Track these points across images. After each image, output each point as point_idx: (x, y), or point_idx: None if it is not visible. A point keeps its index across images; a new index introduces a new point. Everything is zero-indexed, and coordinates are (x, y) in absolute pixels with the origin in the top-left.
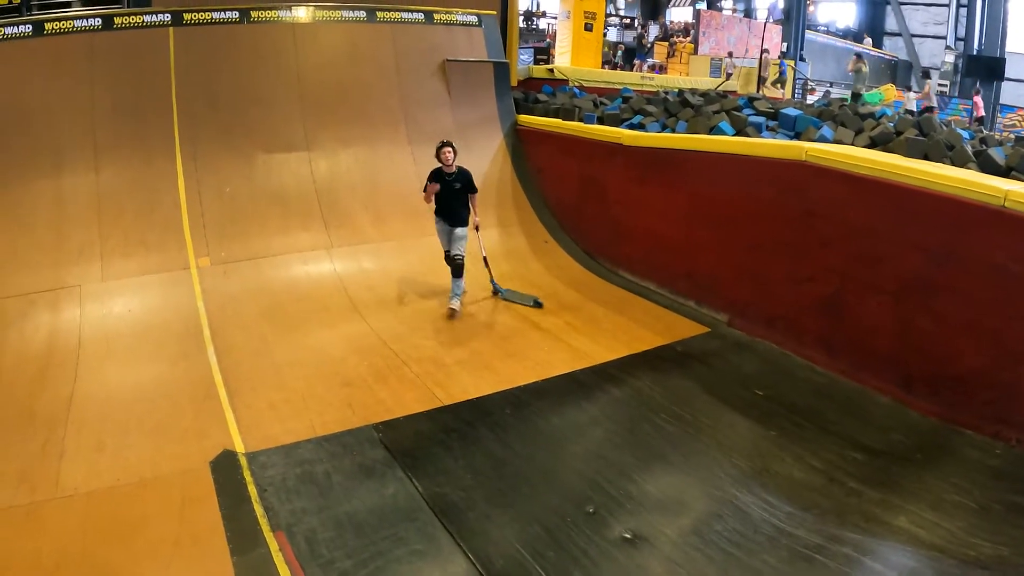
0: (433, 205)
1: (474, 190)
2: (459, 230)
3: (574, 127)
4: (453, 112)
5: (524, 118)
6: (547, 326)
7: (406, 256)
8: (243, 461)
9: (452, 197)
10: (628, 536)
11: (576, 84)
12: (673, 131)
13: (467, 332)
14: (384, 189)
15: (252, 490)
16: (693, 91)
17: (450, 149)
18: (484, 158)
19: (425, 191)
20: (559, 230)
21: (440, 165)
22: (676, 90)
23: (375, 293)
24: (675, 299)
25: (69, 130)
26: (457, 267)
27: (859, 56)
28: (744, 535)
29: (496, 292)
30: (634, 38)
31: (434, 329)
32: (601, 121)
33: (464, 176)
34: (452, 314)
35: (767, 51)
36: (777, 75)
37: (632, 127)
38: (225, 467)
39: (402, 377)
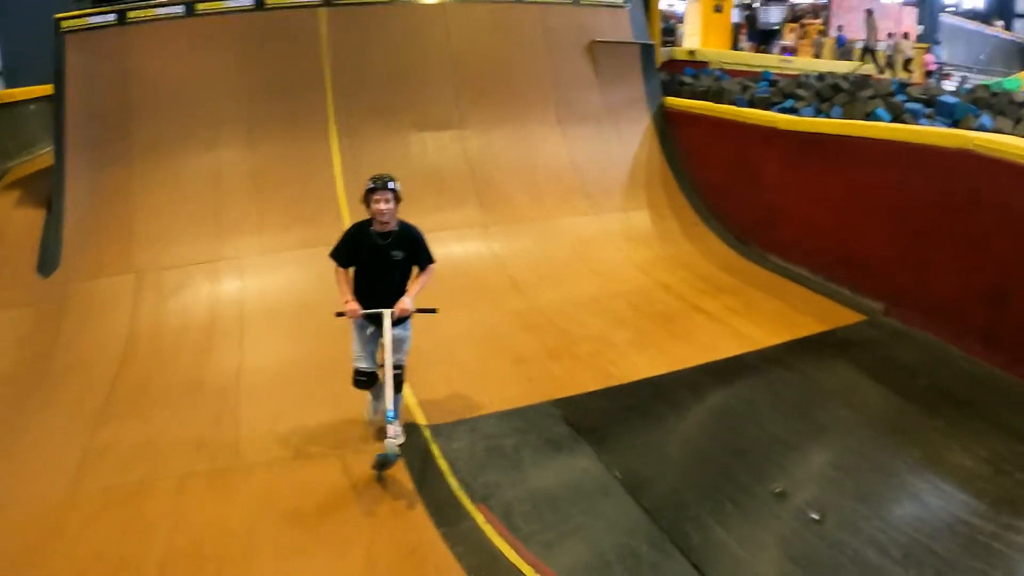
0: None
1: (427, 260)
2: (397, 330)
3: (725, 110)
4: (601, 93)
5: (672, 100)
6: (709, 308)
7: (562, 235)
8: (427, 433)
9: (387, 274)
10: (816, 517)
11: (718, 67)
12: (827, 116)
13: (631, 313)
14: (538, 168)
15: (442, 463)
16: (832, 75)
17: (389, 196)
18: (632, 140)
19: (335, 270)
20: (709, 213)
21: (368, 219)
22: (816, 73)
23: (535, 271)
24: (829, 285)
25: (224, 107)
26: (397, 381)
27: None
28: (923, 520)
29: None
30: (744, 18)
31: (599, 308)
32: (752, 104)
33: (409, 239)
34: (382, 463)
35: (893, 34)
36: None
37: (784, 111)
38: (409, 439)
39: (574, 355)
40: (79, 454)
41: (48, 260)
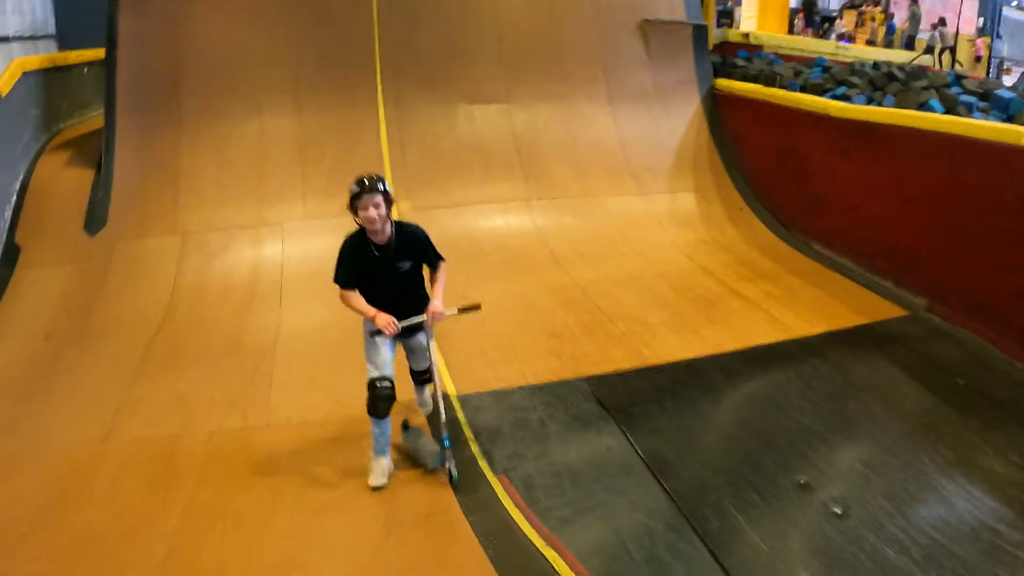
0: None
1: (437, 259)
2: (419, 337)
3: (776, 94)
4: (652, 72)
5: (722, 82)
6: (747, 294)
7: (607, 213)
8: (456, 403)
9: (398, 286)
10: (838, 512)
11: (772, 51)
12: (880, 105)
13: (670, 294)
14: (584, 145)
15: (468, 432)
16: (888, 64)
17: (378, 200)
18: (681, 121)
19: (342, 295)
20: (753, 198)
21: (359, 230)
22: (871, 62)
23: (576, 247)
24: (872, 278)
25: (272, 75)
26: (424, 397)
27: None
28: (948, 523)
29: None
30: (802, 3)
31: (639, 288)
32: (803, 90)
33: (411, 242)
34: (379, 485)
35: (936, 25)
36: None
37: (836, 98)
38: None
39: (609, 333)
40: (114, 407)
41: (95, 219)
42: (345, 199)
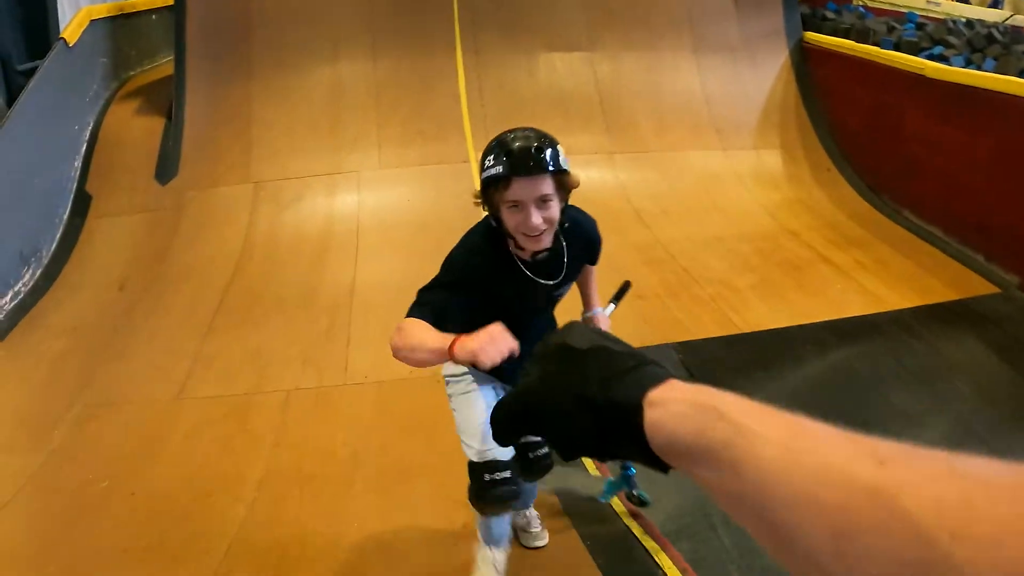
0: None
1: (595, 260)
2: None
3: (869, 51)
4: (739, 23)
5: (812, 36)
6: (837, 261)
7: (690, 169)
8: None
9: (537, 321)
10: None
11: (862, 3)
12: (979, 68)
13: (756, 257)
14: (667, 97)
15: None
16: (982, 23)
17: (545, 188)
18: (768, 75)
19: (405, 330)
20: (841, 159)
21: (494, 229)
22: (963, 19)
23: (659, 204)
24: (962, 250)
25: (346, 21)
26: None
27: None
28: None
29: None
30: None
31: (724, 249)
32: (897, 48)
33: (584, 247)
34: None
35: None
36: None
37: (932, 58)
38: None
39: (695, 296)
40: (188, 361)
41: (167, 168)
42: (421, 148)
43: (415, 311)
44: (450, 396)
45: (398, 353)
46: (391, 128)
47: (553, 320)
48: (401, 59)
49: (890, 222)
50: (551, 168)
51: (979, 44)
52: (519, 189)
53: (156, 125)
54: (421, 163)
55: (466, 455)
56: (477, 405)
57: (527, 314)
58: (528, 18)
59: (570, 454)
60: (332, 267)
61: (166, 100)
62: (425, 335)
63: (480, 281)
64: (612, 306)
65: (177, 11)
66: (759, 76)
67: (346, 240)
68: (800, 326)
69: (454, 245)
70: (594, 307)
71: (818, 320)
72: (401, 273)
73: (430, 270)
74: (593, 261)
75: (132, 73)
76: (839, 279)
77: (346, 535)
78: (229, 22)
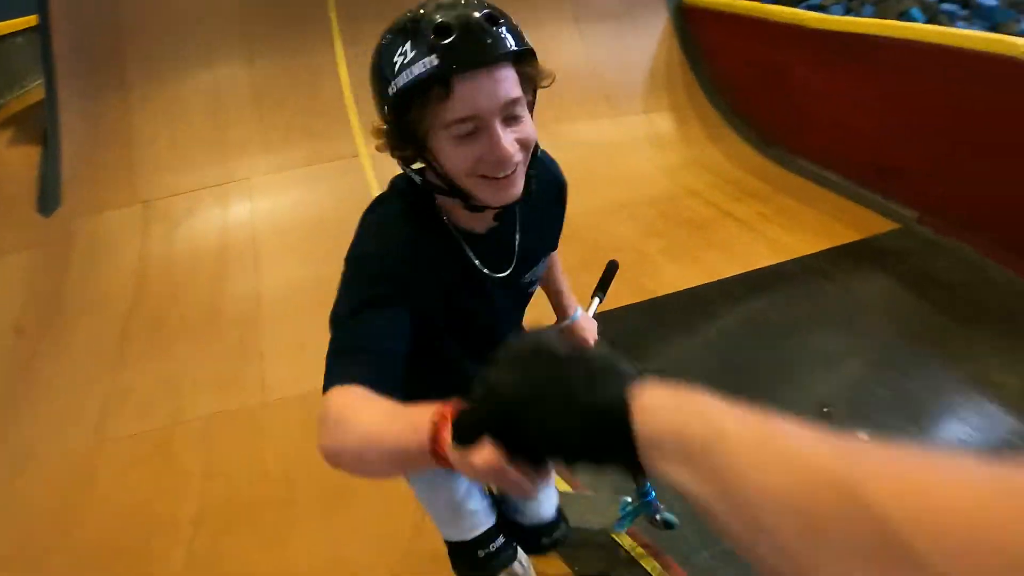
0: None
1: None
2: None
3: (749, 7)
4: None
5: None
6: (740, 215)
7: (583, 139)
8: None
9: (509, 320)
10: (865, 438)
11: None
12: (858, 15)
13: (660, 220)
14: (552, 68)
15: None
16: None
17: (511, 83)
18: (651, 39)
19: (333, 413)
20: (733, 115)
21: (414, 197)
22: None
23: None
24: (860, 191)
25: (219, 23)
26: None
27: None
28: (970, 441)
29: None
30: None
31: (629, 216)
32: (777, 2)
33: (554, 197)
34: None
35: None
36: None
37: (812, 8)
38: None
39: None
40: (101, 399)
41: (48, 198)
42: (309, 147)
43: (337, 368)
44: (414, 478)
45: (339, 462)
46: (276, 131)
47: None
48: (279, 59)
49: (787, 172)
50: (516, 48)
51: None
52: (472, 94)
53: (33, 153)
54: (311, 163)
55: (445, 535)
56: (446, 487)
57: (495, 309)
58: (406, 2)
59: (555, 458)
60: (234, 280)
61: (41, 126)
62: (372, 418)
63: (418, 283)
64: (597, 301)
65: (42, 29)
66: (643, 41)
67: (244, 250)
68: (712, 283)
69: (355, 236)
70: (571, 309)
71: (729, 275)
72: (305, 277)
73: (335, 267)
74: (559, 229)
75: (1, 101)
76: (744, 233)
77: (294, 564)
78: (99, 37)
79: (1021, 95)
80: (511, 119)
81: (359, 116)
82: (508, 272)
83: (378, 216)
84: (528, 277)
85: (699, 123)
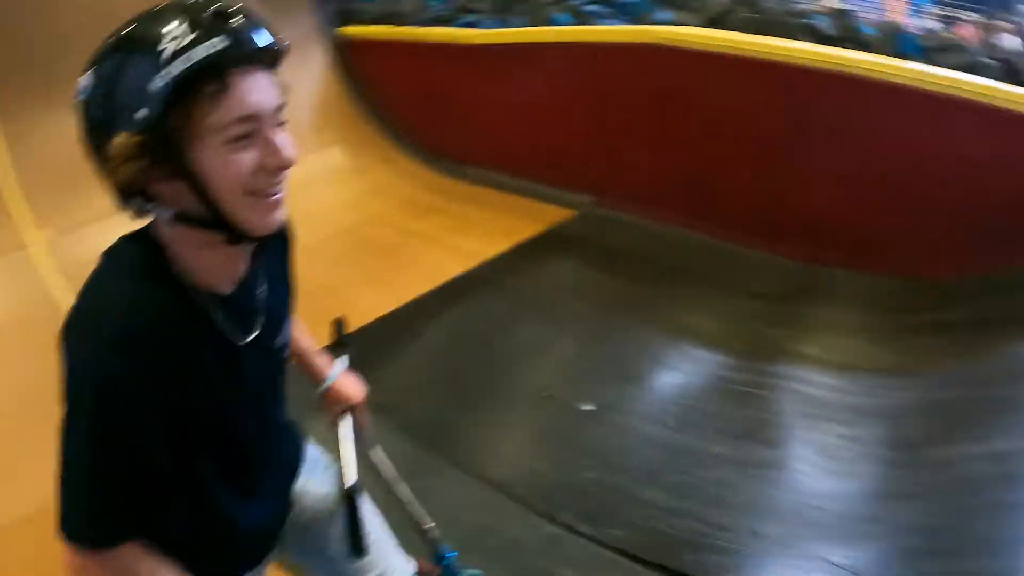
0: None
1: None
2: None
3: (405, 32)
4: (274, 30)
5: (348, 29)
6: (425, 232)
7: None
8: None
9: (274, 405)
10: (592, 408)
11: None
12: (511, 26)
13: (351, 252)
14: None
15: None
16: None
17: (271, 88)
18: (314, 75)
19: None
20: (405, 138)
21: (144, 263)
22: None
23: None
24: (536, 187)
25: None
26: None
27: None
28: (686, 385)
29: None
30: None
31: (323, 254)
32: (433, 24)
33: (281, 241)
34: None
35: None
36: None
37: (466, 25)
38: None
39: (315, 308)
40: None
41: None
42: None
43: (94, 529)
44: None
45: None
46: None
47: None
48: None
49: (463, 183)
50: (278, 51)
51: (504, 5)
52: (252, 90)
53: None
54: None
55: None
56: None
57: (264, 413)
58: (58, 73)
59: None
60: None
61: None
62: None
63: (167, 380)
64: (345, 358)
65: None
66: (306, 79)
67: None
68: (410, 303)
69: (73, 329)
70: (327, 368)
71: (424, 292)
72: (27, 378)
73: (27, 373)
74: (294, 278)
75: None
76: (431, 249)
77: None
78: None
79: (664, 78)
80: (279, 126)
81: (26, 200)
82: (257, 334)
83: (112, 287)
84: (279, 340)
85: (373, 151)
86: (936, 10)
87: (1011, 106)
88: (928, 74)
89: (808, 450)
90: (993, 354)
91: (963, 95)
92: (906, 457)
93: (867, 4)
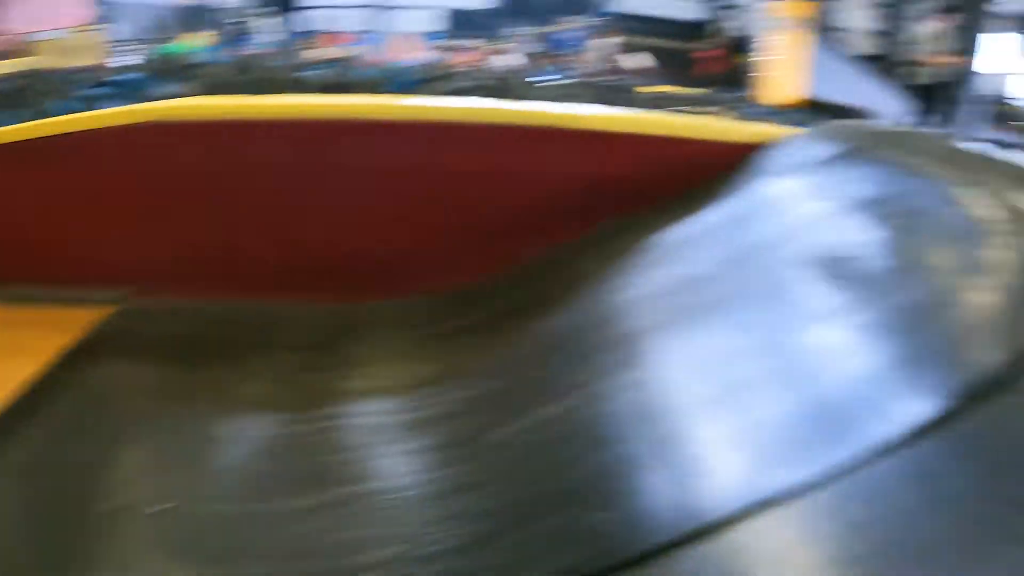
0: None
1: None
2: None
3: None
4: None
5: None
6: None
7: None
8: None
9: None
10: (168, 506)
11: None
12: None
13: None
14: None
15: None
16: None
17: None
18: None
19: None
20: None
21: None
22: None
23: None
24: (54, 292)
25: None
26: None
27: None
28: (256, 450)
29: None
30: None
31: None
32: None
33: None
34: None
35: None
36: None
37: None
38: None
39: None
40: None
41: None
42: None
43: None
44: None
45: None
46: None
47: None
48: None
49: None
50: None
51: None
52: None
53: None
54: None
55: None
56: None
57: None
58: None
59: None
60: None
61: None
62: None
63: None
64: None
65: None
66: None
67: None
68: None
69: None
70: None
71: None
72: None
73: None
74: None
75: None
76: None
77: None
78: None
79: (171, 153)
80: None
81: None
82: None
83: None
84: None
85: None
86: (442, 43)
87: (493, 120)
88: (415, 107)
89: (379, 475)
90: (520, 340)
91: (452, 119)
92: (468, 452)
93: (373, 44)
